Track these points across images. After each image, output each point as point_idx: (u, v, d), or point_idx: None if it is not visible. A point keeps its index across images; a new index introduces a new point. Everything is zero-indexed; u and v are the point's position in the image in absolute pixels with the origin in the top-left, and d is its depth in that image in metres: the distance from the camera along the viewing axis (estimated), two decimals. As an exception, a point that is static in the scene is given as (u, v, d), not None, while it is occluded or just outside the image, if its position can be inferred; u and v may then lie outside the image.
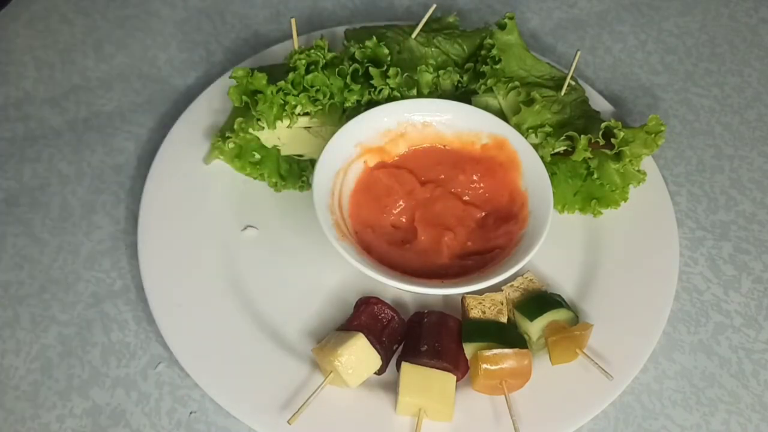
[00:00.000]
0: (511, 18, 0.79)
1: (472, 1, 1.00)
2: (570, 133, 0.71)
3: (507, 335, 0.65)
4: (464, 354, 0.65)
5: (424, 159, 0.76)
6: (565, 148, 0.72)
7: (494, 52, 0.77)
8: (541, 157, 0.71)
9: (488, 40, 0.79)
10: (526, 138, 0.72)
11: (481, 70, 0.78)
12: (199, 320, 0.68)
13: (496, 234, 0.71)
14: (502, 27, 0.79)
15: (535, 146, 0.72)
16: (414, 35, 0.81)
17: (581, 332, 0.64)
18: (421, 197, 0.73)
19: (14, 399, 0.67)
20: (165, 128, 0.81)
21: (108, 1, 0.97)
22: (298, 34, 0.79)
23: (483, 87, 0.77)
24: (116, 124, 0.86)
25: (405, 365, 0.63)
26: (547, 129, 0.73)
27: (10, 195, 0.79)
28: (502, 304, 0.68)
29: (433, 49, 0.80)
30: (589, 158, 0.72)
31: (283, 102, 0.73)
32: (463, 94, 0.80)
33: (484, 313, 0.67)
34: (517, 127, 0.74)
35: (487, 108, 0.76)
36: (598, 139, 0.71)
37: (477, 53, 0.80)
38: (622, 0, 1.01)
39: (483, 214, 0.73)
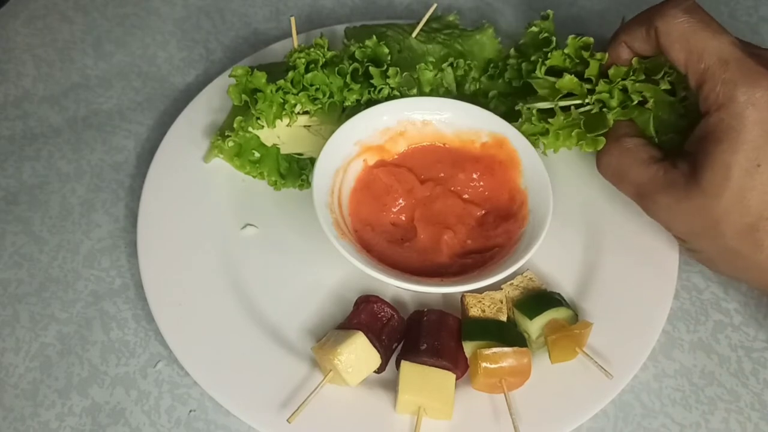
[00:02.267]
0: (548, 16, 0.78)
1: (471, -1, 1.00)
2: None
3: (506, 334, 0.65)
4: (464, 352, 0.65)
5: (423, 157, 0.76)
6: None
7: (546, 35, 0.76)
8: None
9: (533, 29, 0.77)
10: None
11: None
12: (199, 318, 0.68)
13: (496, 232, 0.71)
14: (545, 18, 0.78)
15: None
16: (414, 34, 0.81)
17: (581, 331, 0.64)
18: (421, 195, 0.73)
19: (13, 397, 0.67)
20: (164, 126, 0.81)
21: (107, -1, 0.97)
22: (297, 33, 0.79)
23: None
24: (115, 122, 0.86)
25: (404, 364, 0.63)
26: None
27: (10, 193, 0.79)
28: (501, 302, 0.68)
29: (433, 45, 0.80)
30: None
31: (282, 101, 0.74)
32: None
33: (483, 311, 0.67)
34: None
35: None
36: None
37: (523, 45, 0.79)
38: (622, -2, 1.01)
39: (483, 212, 0.73)
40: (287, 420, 0.60)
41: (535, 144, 0.73)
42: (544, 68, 0.73)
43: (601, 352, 0.66)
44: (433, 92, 0.78)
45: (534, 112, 0.73)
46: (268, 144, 0.77)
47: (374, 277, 0.63)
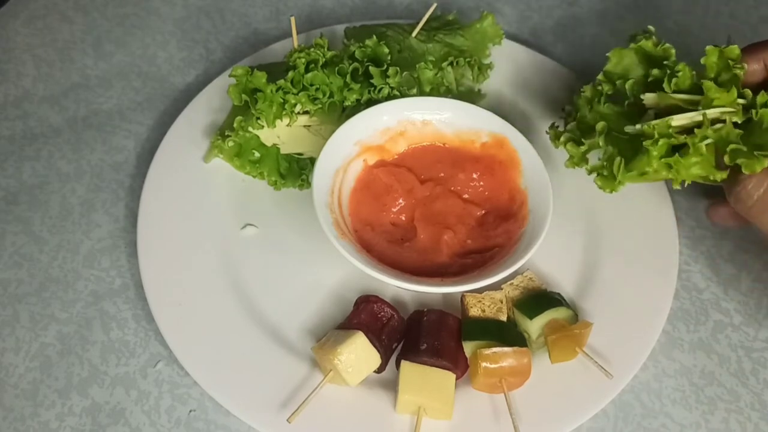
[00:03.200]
0: (650, 32, 0.70)
1: (471, -1, 1.00)
2: None
3: (506, 334, 0.65)
4: (464, 352, 0.65)
5: (423, 157, 0.76)
6: None
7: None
8: None
9: (642, 43, 0.68)
10: None
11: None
12: (199, 318, 0.68)
13: (496, 232, 0.71)
14: (644, 36, 0.70)
15: None
16: (414, 34, 0.81)
17: (581, 331, 0.64)
18: (421, 195, 0.73)
19: (13, 397, 0.67)
20: (164, 126, 0.81)
21: (107, -1, 0.97)
22: (297, 33, 0.79)
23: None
24: (115, 122, 0.86)
25: (404, 364, 0.63)
26: None
27: (10, 193, 0.79)
28: (501, 302, 0.68)
29: (433, 44, 0.80)
30: None
31: (282, 101, 0.73)
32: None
33: (483, 311, 0.67)
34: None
35: None
36: None
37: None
38: (622, -2, 1.01)
39: (483, 212, 0.73)
40: (287, 420, 0.60)
41: (656, 173, 0.63)
42: (674, 81, 0.63)
43: (601, 352, 0.66)
44: (434, 91, 0.78)
45: (670, 124, 0.62)
46: (268, 144, 0.77)
47: (374, 277, 0.63)
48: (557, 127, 0.72)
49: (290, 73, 0.73)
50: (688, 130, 0.62)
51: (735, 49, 0.63)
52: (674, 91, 0.64)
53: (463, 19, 0.87)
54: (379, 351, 0.63)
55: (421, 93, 0.77)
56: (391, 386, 0.65)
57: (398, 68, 0.75)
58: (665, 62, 0.66)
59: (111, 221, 0.78)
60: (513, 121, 0.75)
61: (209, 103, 0.82)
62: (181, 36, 0.94)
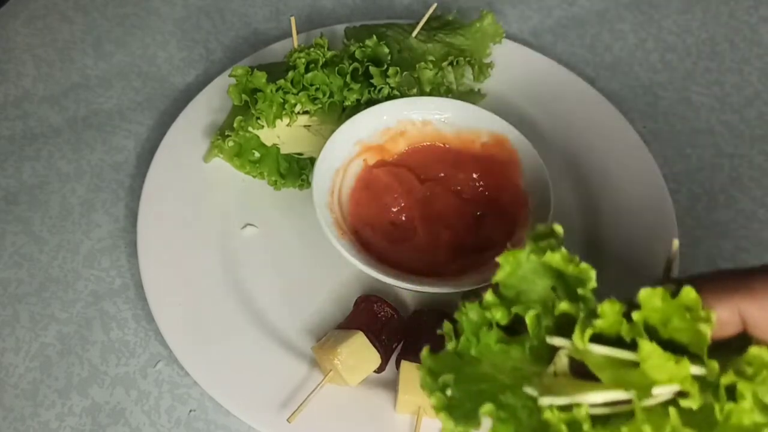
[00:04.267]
0: None
1: (471, -1, 1.00)
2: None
3: (506, 334, 0.65)
4: (464, 352, 0.65)
5: (423, 157, 0.76)
6: None
7: None
8: None
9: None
10: None
11: None
12: (198, 318, 0.68)
13: (496, 232, 0.71)
14: (547, 242, 0.46)
15: None
16: (414, 34, 0.81)
17: (581, 331, 0.64)
18: (421, 195, 0.73)
19: (13, 397, 0.67)
20: (164, 126, 0.81)
21: (107, -1, 0.97)
22: (297, 33, 0.79)
23: None
24: (115, 122, 0.86)
25: (405, 363, 0.63)
26: None
27: (9, 193, 0.79)
28: (501, 302, 0.68)
29: (433, 44, 0.80)
30: None
31: (282, 100, 0.74)
32: None
33: (483, 311, 0.67)
34: None
35: None
36: None
37: None
38: (622, -2, 1.01)
39: (482, 212, 0.73)
40: (287, 420, 0.60)
41: None
42: (588, 332, 0.41)
43: (601, 352, 0.66)
44: (434, 91, 0.78)
45: (586, 411, 0.39)
46: (268, 144, 0.77)
47: (374, 277, 0.63)
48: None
49: (290, 73, 0.73)
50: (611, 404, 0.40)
51: (690, 293, 0.40)
52: (593, 339, 0.41)
53: (463, 19, 0.87)
54: (379, 351, 0.63)
55: (421, 93, 0.77)
56: (392, 386, 0.65)
57: (398, 68, 0.75)
58: (580, 290, 0.44)
59: (111, 221, 0.78)
60: (513, 121, 0.74)
61: (209, 103, 0.82)
62: (181, 36, 0.94)
